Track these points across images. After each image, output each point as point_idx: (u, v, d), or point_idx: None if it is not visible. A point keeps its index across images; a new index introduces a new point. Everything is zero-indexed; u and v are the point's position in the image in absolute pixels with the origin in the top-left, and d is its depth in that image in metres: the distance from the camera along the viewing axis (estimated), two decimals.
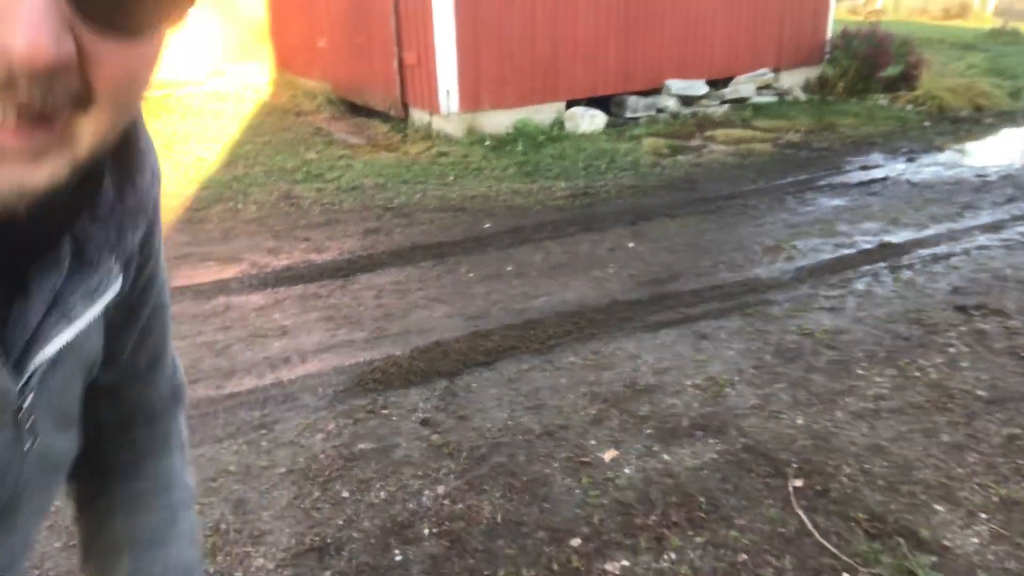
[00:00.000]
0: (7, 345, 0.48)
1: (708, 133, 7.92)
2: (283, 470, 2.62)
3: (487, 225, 5.31)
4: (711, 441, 2.70)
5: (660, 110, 8.55)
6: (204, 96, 10.09)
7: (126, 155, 0.56)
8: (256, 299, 4.14)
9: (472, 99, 7.70)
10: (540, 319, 3.70)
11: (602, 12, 8.15)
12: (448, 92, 7.59)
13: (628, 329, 3.60)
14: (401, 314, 3.88)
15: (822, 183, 6.11)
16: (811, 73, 9.78)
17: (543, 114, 8.09)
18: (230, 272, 4.55)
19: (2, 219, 0.39)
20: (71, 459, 0.62)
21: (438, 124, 7.88)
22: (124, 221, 0.55)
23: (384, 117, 8.97)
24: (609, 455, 2.62)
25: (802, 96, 9.48)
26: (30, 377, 0.50)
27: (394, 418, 2.90)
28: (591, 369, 3.23)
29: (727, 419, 2.83)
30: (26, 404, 0.51)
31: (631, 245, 4.80)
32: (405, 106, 8.51)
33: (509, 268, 4.47)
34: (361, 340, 3.59)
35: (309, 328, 3.75)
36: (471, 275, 4.39)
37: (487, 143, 7.50)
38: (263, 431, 2.84)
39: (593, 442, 2.72)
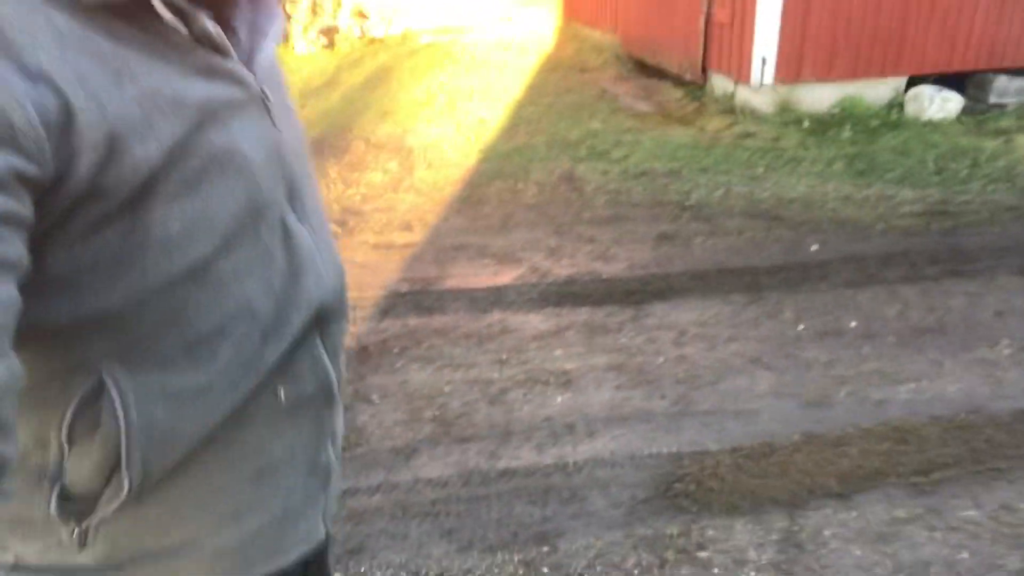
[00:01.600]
0: (239, 47, 0.64)
1: None
2: None
3: (814, 247, 4.24)
4: None
5: None
6: (489, 45, 9.75)
7: None
8: (535, 321, 3.54)
9: (791, 68, 6.45)
10: (912, 427, 2.68)
11: None
12: (764, 59, 6.41)
13: None
14: (711, 378, 3.06)
15: None
16: None
17: (877, 91, 6.60)
18: (508, 276, 4.01)
19: None
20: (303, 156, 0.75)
21: (744, 96, 6.75)
22: None
23: (676, 81, 7.97)
24: None
25: None
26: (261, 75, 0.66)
27: (716, 571, 2.12)
28: (1005, 540, 2.20)
29: None
30: (269, 97, 0.66)
31: None
32: (704, 70, 7.44)
33: (853, 324, 3.43)
34: (662, 413, 2.83)
35: (597, 379, 3.07)
36: (801, 327, 3.43)
37: (804, 124, 6.26)
38: (544, 548, 2.22)
39: None
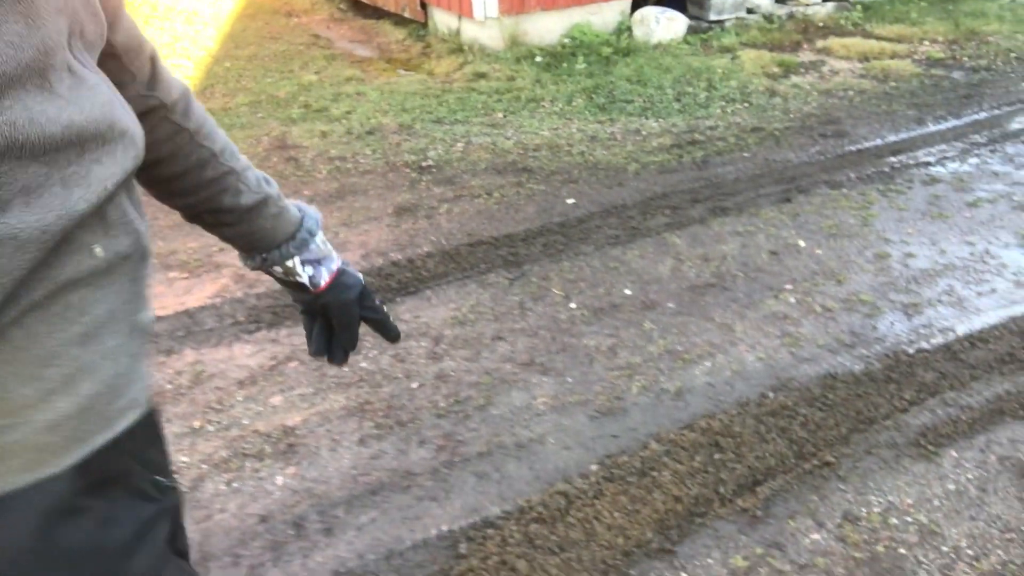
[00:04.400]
0: None
1: (820, 44, 6.13)
2: None
3: (570, 200, 3.70)
4: None
5: (750, 10, 6.70)
6: None
7: None
8: (243, 356, 2.61)
9: None
10: (722, 426, 2.20)
11: None
12: None
13: (882, 452, 2.11)
14: (480, 401, 2.37)
15: (1015, 125, 4.45)
16: None
17: (604, 16, 6.26)
18: (203, 293, 3.00)
19: None
20: None
21: (470, 32, 6.08)
22: None
23: (397, 20, 7.10)
24: None
25: None
26: None
27: None
28: (862, 570, 1.77)
29: None
30: None
31: (801, 243, 3.23)
32: (424, 6, 6.64)
33: (628, 293, 2.92)
34: (423, 471, 2.10)
35: (332, 434, 2.25)
36: (572, 306, 2.85)
37: (537, 59, 5.74)
38: None
39: None
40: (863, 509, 1.91)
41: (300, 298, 1.01)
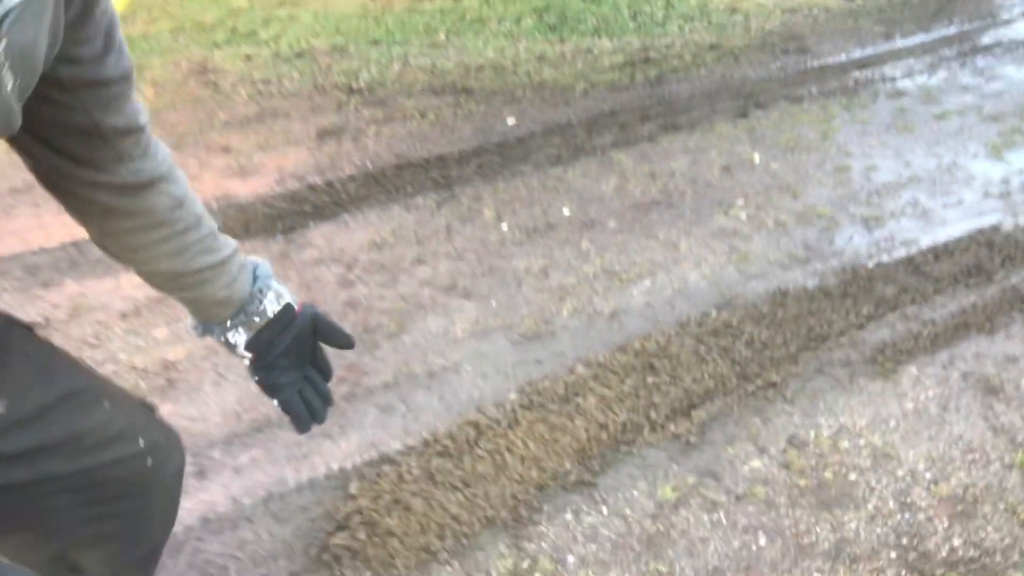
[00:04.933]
0: None
1: None
2: None
3: (511, 120, 3.40)
4: None
5: None
6: None
7: None
8: (129, 287, 2.32)
9: None
10: (658, 347, 1.96)
11: None
12: None
13: (835, 371, 1.89)
14: (392, 328, 2.11)
15: (985, 40, 4.19)
16: None
17: None
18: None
19: None
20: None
21: None
22: None
23: None
24: None
25: None
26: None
27: None
28: (807, 499, 1.55)
29: None
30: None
31: (756, 158, 2.97)
32: None
33: (566, 213, 2.66)
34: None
35: (220, 364, 1.98)
36: (504, 227, 2.58)
37: None
38: None
39: None
40: (811, 432, 1.69)
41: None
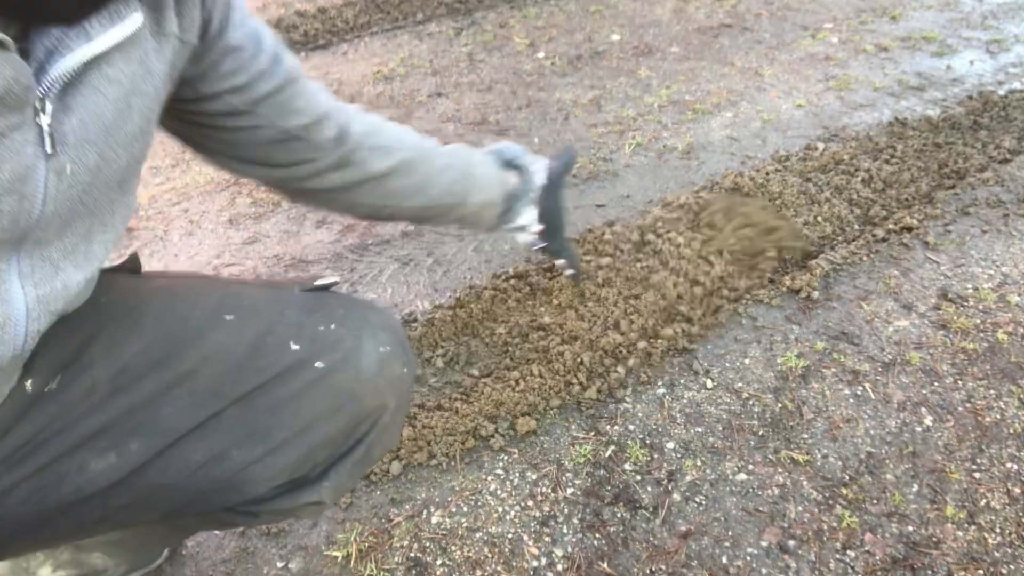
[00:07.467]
0: (32, 52, 0.47)
1: None
2: None
3: None
4: None
5: None
6: None
7: None
8: None
9: None
10: (755, 187, 1.53)
11: None
12: None
13: (983, 212, 1.48)
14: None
15: None
16: None
17: None
18: None
19: None
20: (112, 203, 0.55)
21: None
22: None
23: None
24: None
25: None
26: (52, 86, 0.47)
27: None
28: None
29: None
30: (47, 110, 0.48)
31: None
32: None
33: (616, 37, 2.17)
34: (326, 272, 1.44)
35: (192, 209, 1.57)
36: (540, 55, 2.11)
37: None
38: None
39: None
40: (968, 285, 1.29)
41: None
